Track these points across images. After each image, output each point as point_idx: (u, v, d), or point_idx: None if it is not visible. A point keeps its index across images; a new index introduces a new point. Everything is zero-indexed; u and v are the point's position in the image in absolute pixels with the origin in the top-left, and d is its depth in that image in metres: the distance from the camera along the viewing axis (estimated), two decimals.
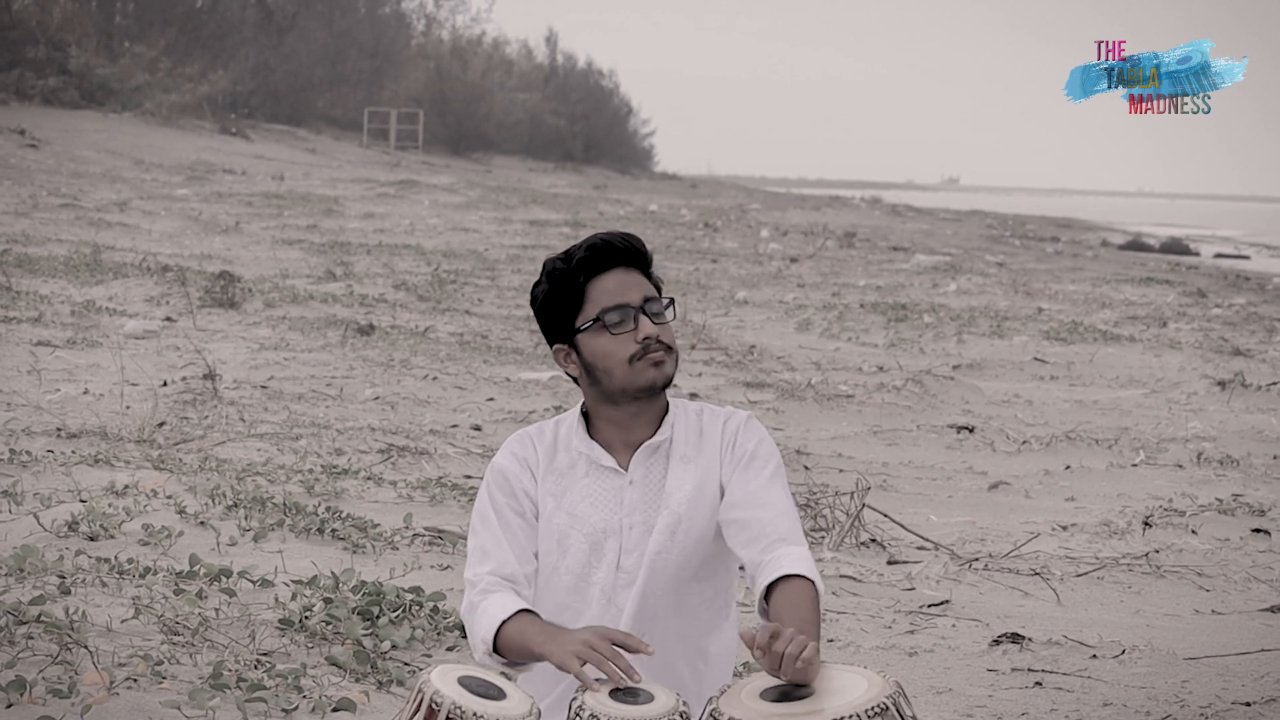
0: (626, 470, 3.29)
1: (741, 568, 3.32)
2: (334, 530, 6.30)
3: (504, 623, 3.09)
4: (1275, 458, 9.44)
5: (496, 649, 3.10)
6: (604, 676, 2.92)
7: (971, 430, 10.03)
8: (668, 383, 3.27)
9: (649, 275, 3.31)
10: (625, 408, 3.28)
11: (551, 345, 3.33)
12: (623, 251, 3.26)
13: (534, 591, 3.28)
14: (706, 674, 3.26)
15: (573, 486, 3.29)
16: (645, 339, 3.22)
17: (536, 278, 3.35)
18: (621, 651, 2.95)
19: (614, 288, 3.25)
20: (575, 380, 3.33)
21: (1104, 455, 9.41)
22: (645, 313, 3.25)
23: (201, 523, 6.24)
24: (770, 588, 3.11)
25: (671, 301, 3.30)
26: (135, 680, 4.44)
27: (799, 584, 3.09)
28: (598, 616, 3.23)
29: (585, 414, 3.35)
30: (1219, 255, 36.76)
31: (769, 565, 3.14)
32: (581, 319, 3.25)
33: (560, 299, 3.27)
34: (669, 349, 3.26)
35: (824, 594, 3.15)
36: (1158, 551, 6.97)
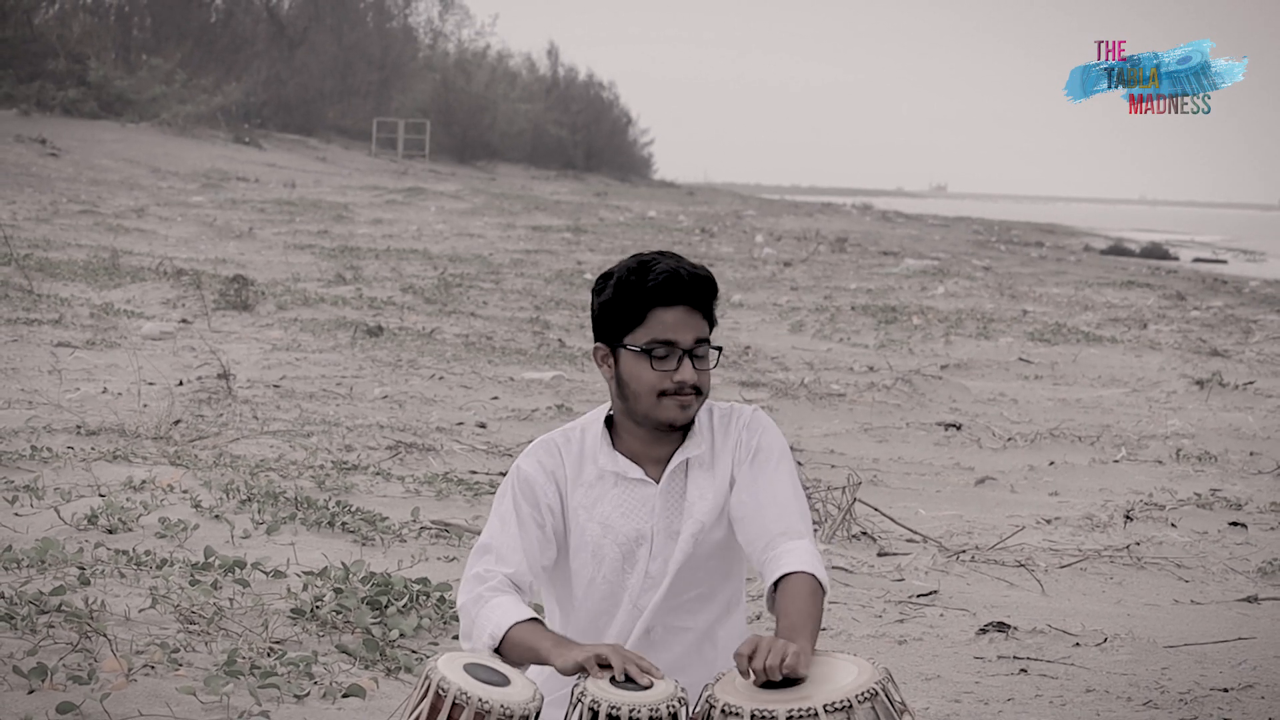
0: (655, 480, 3.35)
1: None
2: (344, 523, 6.35)
3: (514, 625, 3.16)
4: (1251, 454, 9.51)
5: (499, 647, 3.18)
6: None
7: (959, 428, 10.09)
8: (687, 423, 3.32)
9: (709, 313, 3.32)
10: (645, 429, 3.34)
11: (595, 340, 3.36)
12: (693, 290, 3.27)
13: (565, 608, 3.36)
14: (716, 660, 3.35)
15: (603, 498, 3.33)
16: (680, 382, 3.26)
17: (605, 272, 3.34)
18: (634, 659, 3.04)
19: (673, 323, 3.25)
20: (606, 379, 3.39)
21: (1086, 452, 9.47)
22: (692, 356, 3.28)
23: (216, 516, 6.30)
24: (775, 585, 3.21)
25: (719, 350, 3.33)
26: (152, 667, 4.53)
27: (799, 579, 3.17)
28: (622, 619, 3.33)
29: (609, 422, 3.39)
30: (1197, 260, 36.40)
31: (772, 563, 3.22)
32: (632, 339, 3.27)
33: (620, 310, 3.28)
34: (699, 392, 3.30)
35: (828, 586, 3.22)
36: (1138, 544, 7.04)
